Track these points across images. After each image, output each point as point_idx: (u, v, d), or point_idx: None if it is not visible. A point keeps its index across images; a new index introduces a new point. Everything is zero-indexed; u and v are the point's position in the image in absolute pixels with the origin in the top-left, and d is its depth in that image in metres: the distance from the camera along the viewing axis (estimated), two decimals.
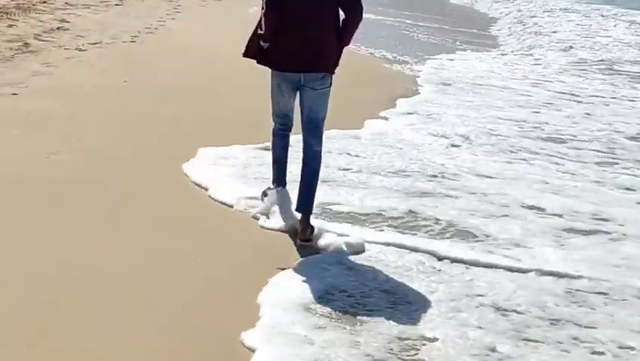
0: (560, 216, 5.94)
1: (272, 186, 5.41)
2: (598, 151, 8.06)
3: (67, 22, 12.47)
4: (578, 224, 5.80)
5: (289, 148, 5.42)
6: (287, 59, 4.96)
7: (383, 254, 4.93)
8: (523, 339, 4.01)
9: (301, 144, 5.23)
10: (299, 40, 4.87)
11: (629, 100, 11.12)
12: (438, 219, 5.60)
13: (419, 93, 10.42)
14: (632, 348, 4.01)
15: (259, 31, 4.96)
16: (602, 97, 11.14)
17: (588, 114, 9.89)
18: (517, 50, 15.87)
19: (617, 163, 7.69)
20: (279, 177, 5.40)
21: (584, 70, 13.49)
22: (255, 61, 5.09)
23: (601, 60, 14.49)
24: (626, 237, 5.64)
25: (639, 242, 5.55)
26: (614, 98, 11.18)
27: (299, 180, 5.19)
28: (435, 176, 6.66)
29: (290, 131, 5.36)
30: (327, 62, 4.96)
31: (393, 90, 10.29)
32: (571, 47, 15.83)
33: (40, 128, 6.81)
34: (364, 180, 6.32)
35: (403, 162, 6.95)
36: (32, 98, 7.72)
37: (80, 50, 10.41)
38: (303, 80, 4.98)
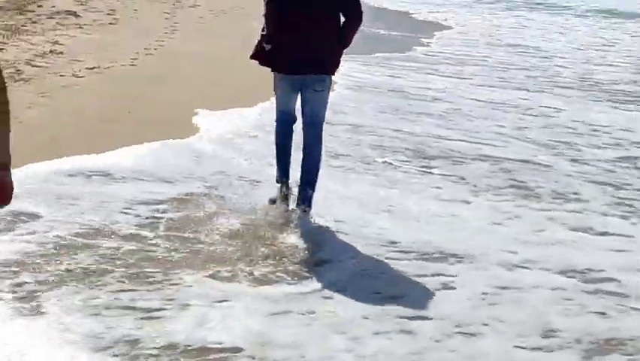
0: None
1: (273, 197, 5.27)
2: (487, 173, 6.74)
3: (60, 44, 11.64)
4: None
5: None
6: (288, 63, 4.97)
7: None
8: None
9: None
10: (300, 43, 4.87)
11: (555, 110, 9.69)
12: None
13: None
14: None
15: (262, 33, 5.03)
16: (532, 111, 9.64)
17: (501, 126, 8.64)
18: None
19: (499, 188, 6.37)
20: (283, 168, 5.24)
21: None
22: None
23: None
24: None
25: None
26: (554, 109, 9.72)
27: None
28: (228, 176, 6.06)
29: (293, 123, 5.25)
30: (327, 65, 5.04)
31: None
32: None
33: None
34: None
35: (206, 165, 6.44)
36: (29, 135, 6.88)
37: (77, 76, 9.61)
38: (304, 82, 5.02)
